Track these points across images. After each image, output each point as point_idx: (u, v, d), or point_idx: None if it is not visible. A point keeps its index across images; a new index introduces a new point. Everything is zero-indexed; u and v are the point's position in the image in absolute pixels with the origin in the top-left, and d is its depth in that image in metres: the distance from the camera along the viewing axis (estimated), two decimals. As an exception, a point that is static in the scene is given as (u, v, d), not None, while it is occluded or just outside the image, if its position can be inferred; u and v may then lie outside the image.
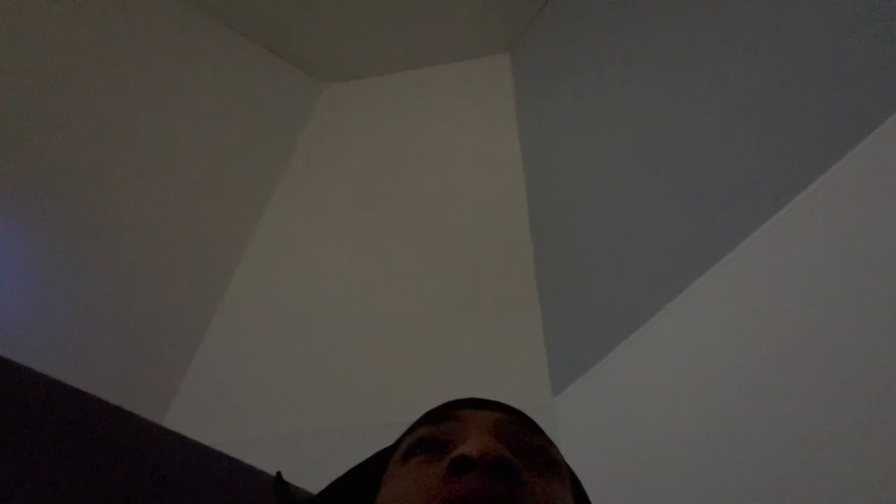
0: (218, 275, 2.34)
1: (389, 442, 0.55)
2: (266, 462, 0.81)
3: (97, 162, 2.23)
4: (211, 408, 1.97)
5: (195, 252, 2.35)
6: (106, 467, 0.70)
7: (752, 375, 1.29)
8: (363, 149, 2.81)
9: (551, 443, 0.49)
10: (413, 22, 2.87)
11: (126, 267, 2.15)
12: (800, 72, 1.52)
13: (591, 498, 0.55)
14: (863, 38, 1.38)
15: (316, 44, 2.93)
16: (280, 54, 2.95)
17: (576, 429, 1.64)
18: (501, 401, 0.52)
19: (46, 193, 2.07)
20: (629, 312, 1.67)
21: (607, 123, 2.20)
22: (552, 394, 1.80)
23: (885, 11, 1.33)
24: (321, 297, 2.26)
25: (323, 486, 0.55)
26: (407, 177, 2.64)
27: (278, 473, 0.58)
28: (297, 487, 0.74)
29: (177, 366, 2.08)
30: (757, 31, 1.71)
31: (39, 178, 2.07)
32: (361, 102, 3.00)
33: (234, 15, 2.81)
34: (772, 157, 1.50)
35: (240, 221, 2.52)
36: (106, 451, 0.71)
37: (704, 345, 1.44)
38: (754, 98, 1.63)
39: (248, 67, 2.87)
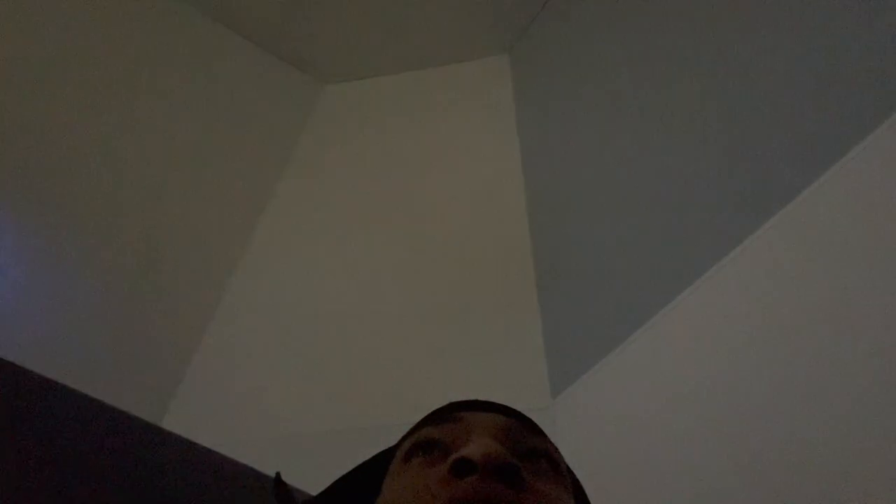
0: (217, 276, 2.34)
1: (388, 444, 0.55)
2: (265, 464, 0.80)
3: (96, 163, 2.23)
4: (210, 409, 1.97)
5: (194, 253, 2.35)
6: (104, 469, 0.70)
7: (751, 376, 1.29)
8: (362, 150, 2.81)
9: (552, 445, 0.49)
10: (412, 23, 2.87)
11: (125, 267, 2.15)
12: (799, 74, 1.52)
13: (591, 500, 0.55)
14: (862, 38, 1.38)
15: (315, 44, 2.93)
16: (279, 55, 2.94)
17: (574, 430, 1.63)
18: (501, 402, 0.52)
19: (45, 194, 2.07)
20: (628, 314, 1.67)
21: (607, 124, 2.20)
22: (551, 395, 1.80)
23: (885, 12, 1.33)
24: (320, 299, 2.26)
25: (322, 488, 0.55)
26: (406, 178, 2.64)
27: (277, 474, 0.58)
28: (296, 489, 0.74)
29: (176, 367, 2.07)
30: (756, 33, 1.71)
31: (38, 179, 2.07)
32: (361, 103, 3.00)
33: (233, 16, 2.81)
34: (774, 157, 1.50)
35: (239, 222, 2.52)
36: (104, 452, 0.71)
37: (703, 346, 1.44)
38: (754, 99, 1.63)
39: (247, 68, 2.87)
